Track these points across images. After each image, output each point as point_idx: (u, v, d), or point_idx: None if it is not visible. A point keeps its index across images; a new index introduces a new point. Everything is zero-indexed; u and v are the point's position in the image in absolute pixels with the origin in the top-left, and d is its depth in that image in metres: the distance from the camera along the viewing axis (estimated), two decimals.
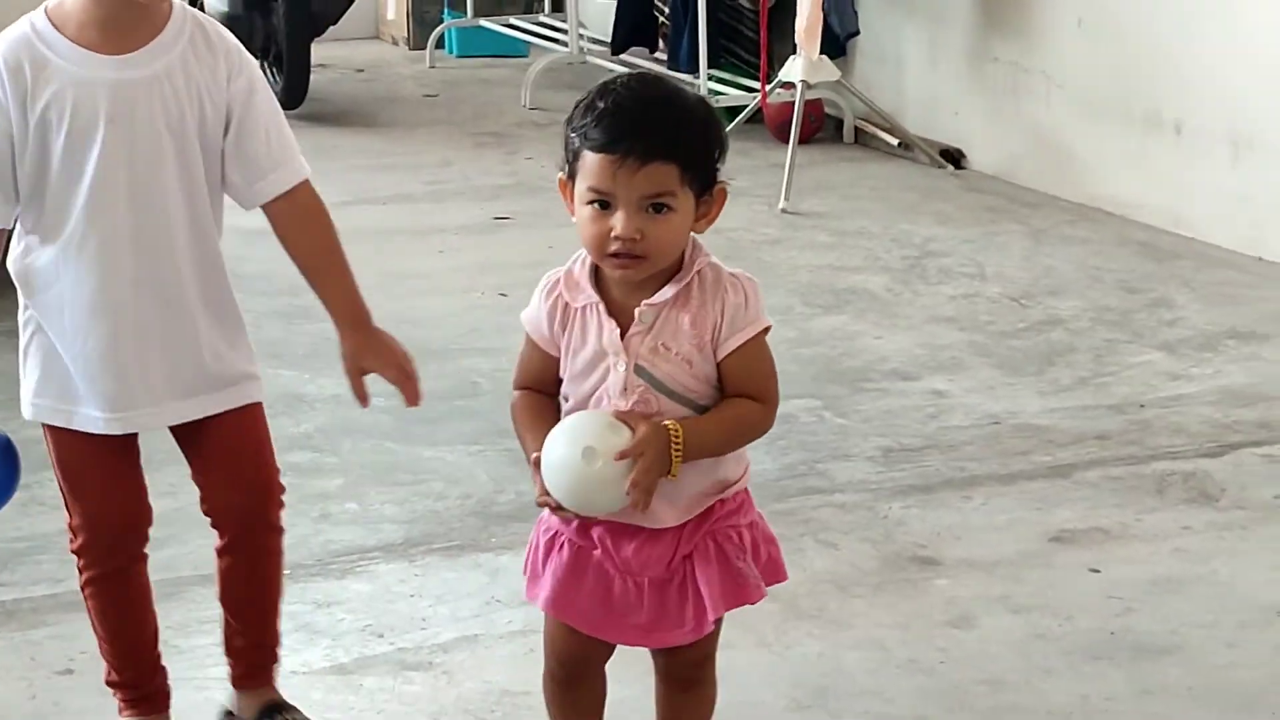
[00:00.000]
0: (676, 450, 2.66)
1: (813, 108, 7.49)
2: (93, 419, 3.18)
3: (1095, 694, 3.55)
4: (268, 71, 8.68)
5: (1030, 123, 7.26)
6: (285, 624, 3.78)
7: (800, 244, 6.52)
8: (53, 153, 3.06)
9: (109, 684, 3.42)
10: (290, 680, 3.58)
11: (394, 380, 3.22)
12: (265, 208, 3.24)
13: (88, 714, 3.56)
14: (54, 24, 3.05)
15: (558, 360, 2.83)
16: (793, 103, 7.22)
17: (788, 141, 7.11)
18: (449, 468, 4.61)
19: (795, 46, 7.28)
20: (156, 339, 3.18)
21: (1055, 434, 4.82)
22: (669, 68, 8.32)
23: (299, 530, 4.24)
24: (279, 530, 3.40)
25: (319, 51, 8.72)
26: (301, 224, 3.32)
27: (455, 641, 3.76)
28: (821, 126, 7.80)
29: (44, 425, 3.23)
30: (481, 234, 6.69)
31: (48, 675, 3.65)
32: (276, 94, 8.31)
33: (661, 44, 8.54)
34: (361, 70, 9.52)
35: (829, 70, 7.35)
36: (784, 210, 6.86)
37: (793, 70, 7.25)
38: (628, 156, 2.61)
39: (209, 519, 3.32)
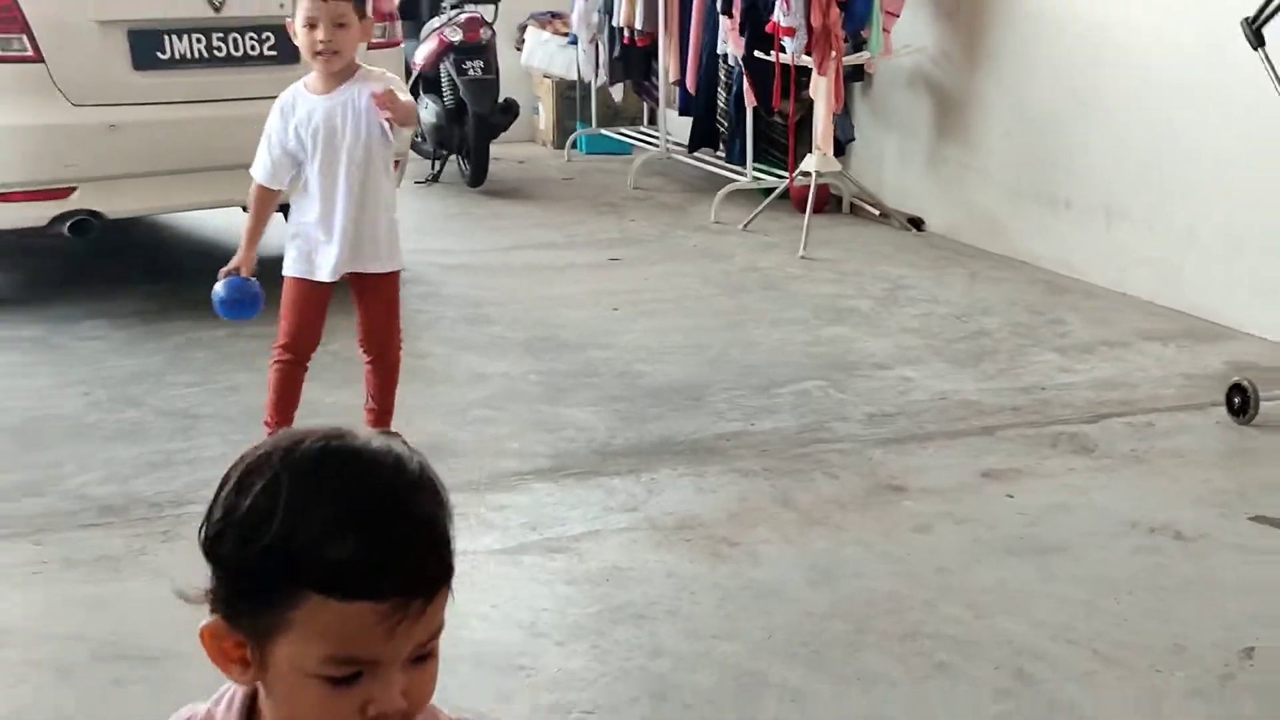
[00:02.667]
0: None
1: (822, 189, 7.49)
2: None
3: (1010, 579, 3.58)
4: (460, 161, 8.74)
5: (968, 200, 7.24)
6: (469, 520, 3.85)
7: (814, 279, 6.52)
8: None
9: (265, 424, 4.11)
10: (474, 560, 3.61)
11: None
12: None
13: None
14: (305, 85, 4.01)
15: None
16: (809, 185, 7.23)
17: (805, 211, 7.12)
18: (579, 421, 4.63)
19: (812, 147, 7.29)
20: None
21: (984, 406, 4.81)
22: (726, 160, 8.34)
23: (480, 460, 4.31)
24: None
25: (495, 149, 8.77)
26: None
27: (583, 534, 3.80)
28: (828, 201, 7.79)
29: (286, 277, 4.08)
30: (601, 269, 6.73)
31: None
32: (466, 178, 8.50)
33: (721, 146, 8.54)
34: (522, 161, 9.56)
35: (834, 164, 7.34)
36: (803, 256, 6.86)
37: (810, 163, 7.25)
38: (412, 600, 1.20)
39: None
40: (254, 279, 4.08)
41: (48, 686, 3.03)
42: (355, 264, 4.06)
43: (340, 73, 3.97)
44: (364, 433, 1.27)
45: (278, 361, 4.13)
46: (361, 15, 3.97)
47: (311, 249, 4.05)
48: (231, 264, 4.07)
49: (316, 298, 4.09)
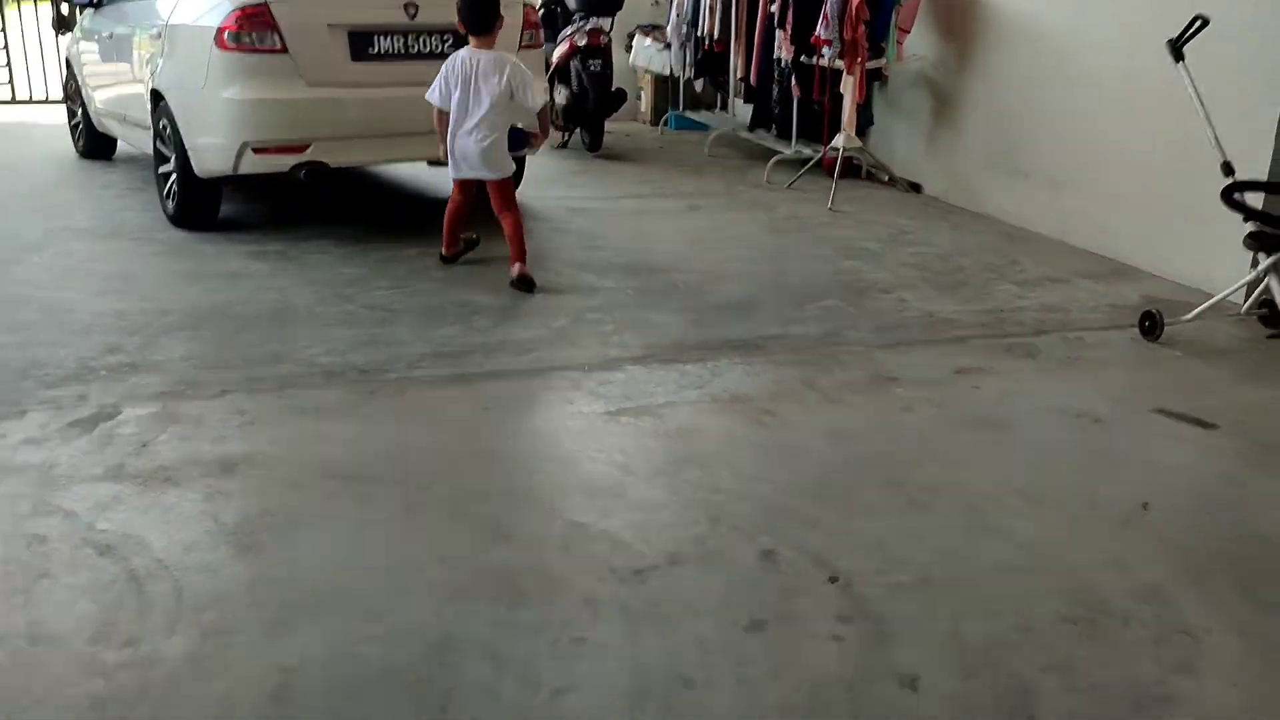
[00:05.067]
0: None
1: (847, 160, 7.37)
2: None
3: (971, 445, 3.55)
4: (583, 133, 8.69)
5: (955, 171, 7.09)
6: (583, 390, 3.88)
7: (838, 226, 6.45)
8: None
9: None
10: (587, 418, 3.66)
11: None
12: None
13: (490, 422, 3.62)
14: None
15: None
16: (837, 157, 7.12)
17: (834, 176, 7.02)
18: (663, 323, 4.64)
19: (841, 129, 7.17)
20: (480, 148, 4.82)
21: (959, 322, 4.75)
22: (777, 136, 8.22)
23: (592, 350, 4.32)
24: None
25: (608, 125, 8.73)
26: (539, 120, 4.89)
27: (665, 403, 3.81)
28: (850, 169, 7.67)
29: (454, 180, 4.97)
30: (682, 214, 6.69)
31: (477, 410, 3.73)
32: (586, 145, 8.47)
33: (773, 126, 8.41)
34: (628, 135, 9.50)
35: (857, 142, 7.21)
36: (830, 209, 6.79)
37: (839, 141, 7.14)
38: None
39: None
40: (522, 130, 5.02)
41: (285, 495, 3.12)
42: (472, 172, 4.87)
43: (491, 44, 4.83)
44: None
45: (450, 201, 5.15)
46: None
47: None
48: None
49: (460, 186, 5.03)
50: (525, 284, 4.93)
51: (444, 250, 5.32)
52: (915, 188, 7.41)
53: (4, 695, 2.29)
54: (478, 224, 5.37)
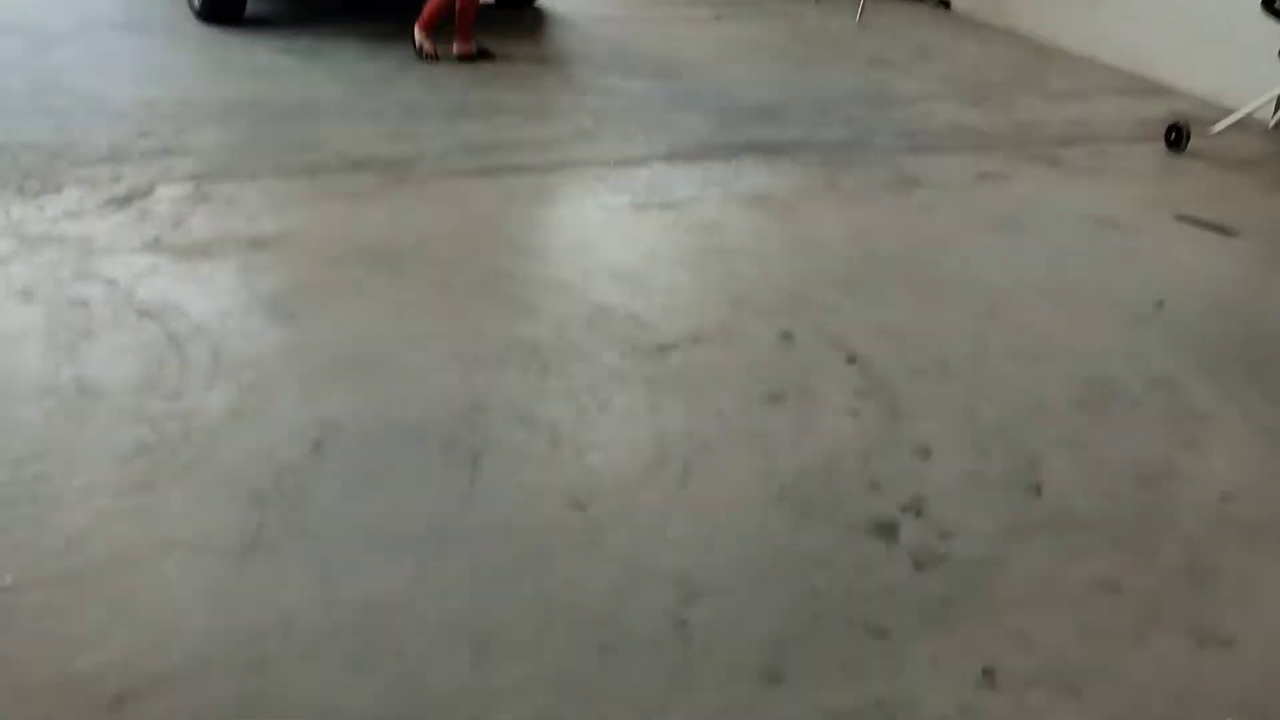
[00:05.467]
0: None
1: None
2: None
3: (991, 245, 3.51)
4: None
5: None
6: (609, 184, 3.80)
7: (866, 39, 6.23)
8: None
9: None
10: (611, 211, 3.60)
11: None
12: None
13: (516, 211, 3.57)
14: None
15: None
16: None
17: None
18: (689, 125, 4.52)
19: None
20: None
21: (984, 132, 4.63)
22: None
23: (617, 147, 4.21)
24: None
25: None
26: None
27: (686, 199, 3.75)
28: None
29: None
30: (710, 23, 6.46)
31: (504, 200, 3.68)
32: None
33: None
34: None
35: None
36: (859, 23, 6.54)
37: None
38: None
39: None
40: None
41: (318, 270, 3.11)
42: None
43: None
44: None
45: None
46: None
47: None
48: None
49: None
50: (469, 59, 5.08)
51: (458, 50, 5.20)
52: (944, 4, 7.12)
53: (56, 439, 2.33)
54: (496, 32, 5.20)
